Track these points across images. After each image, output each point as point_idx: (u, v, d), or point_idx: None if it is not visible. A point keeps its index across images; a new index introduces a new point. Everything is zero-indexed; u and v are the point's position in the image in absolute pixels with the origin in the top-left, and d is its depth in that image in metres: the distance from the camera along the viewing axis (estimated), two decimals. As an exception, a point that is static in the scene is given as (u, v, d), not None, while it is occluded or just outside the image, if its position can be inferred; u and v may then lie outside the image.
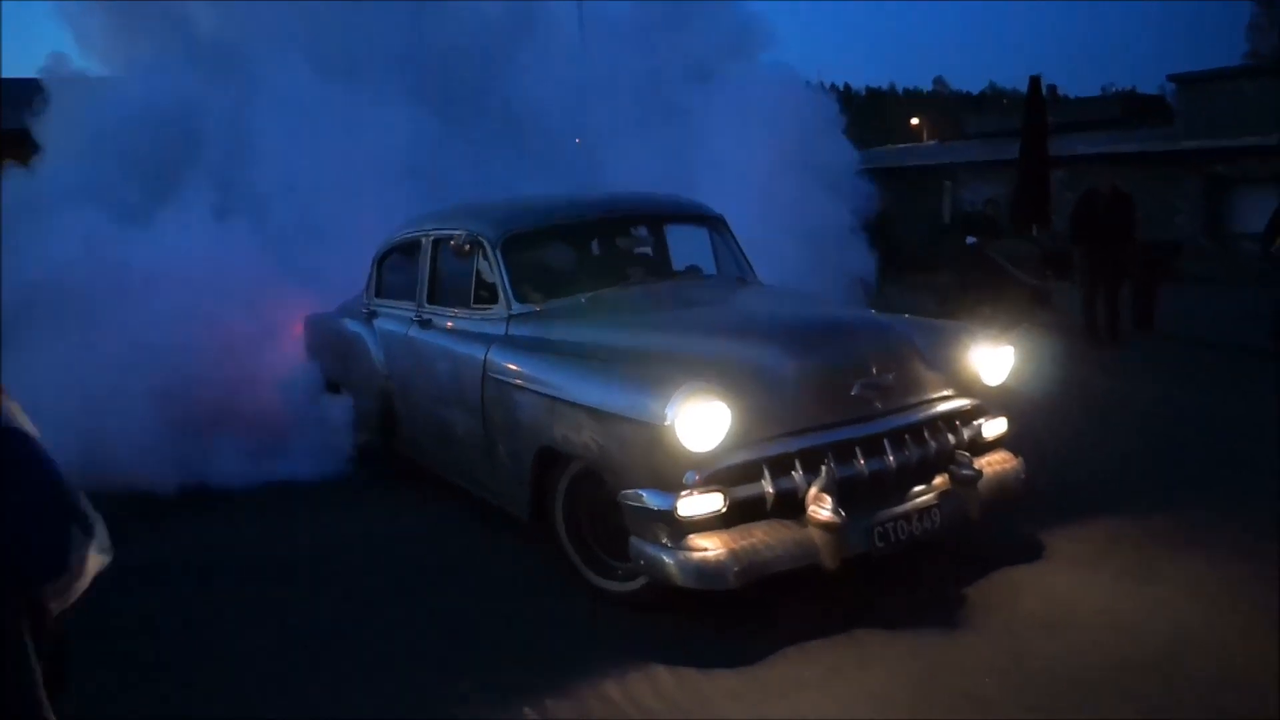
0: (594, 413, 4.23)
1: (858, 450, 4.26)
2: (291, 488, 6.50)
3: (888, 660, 3.88)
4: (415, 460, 6.17)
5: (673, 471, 3.94)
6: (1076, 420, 7.38)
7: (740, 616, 4.23)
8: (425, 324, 5.83)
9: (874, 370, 4.38)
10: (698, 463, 3.93)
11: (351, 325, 6.73)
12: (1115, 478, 6.08)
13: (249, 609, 4.73)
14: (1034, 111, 16.27)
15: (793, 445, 4.13)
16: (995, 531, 4.97)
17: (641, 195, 6.34)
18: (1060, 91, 48.47)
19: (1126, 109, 27.52)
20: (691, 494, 3.91)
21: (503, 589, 4.78)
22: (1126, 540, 5.03)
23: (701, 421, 3.88)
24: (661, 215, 6.13)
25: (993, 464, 4.78)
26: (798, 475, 4.11)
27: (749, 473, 4.05)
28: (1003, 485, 4.76)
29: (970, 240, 11.52)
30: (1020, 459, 4.94)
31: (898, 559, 4.46)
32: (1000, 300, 10.14)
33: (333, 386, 6.91)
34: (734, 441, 3.98)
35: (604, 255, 5.91)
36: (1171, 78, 22.67)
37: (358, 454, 6.75)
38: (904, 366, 4.54)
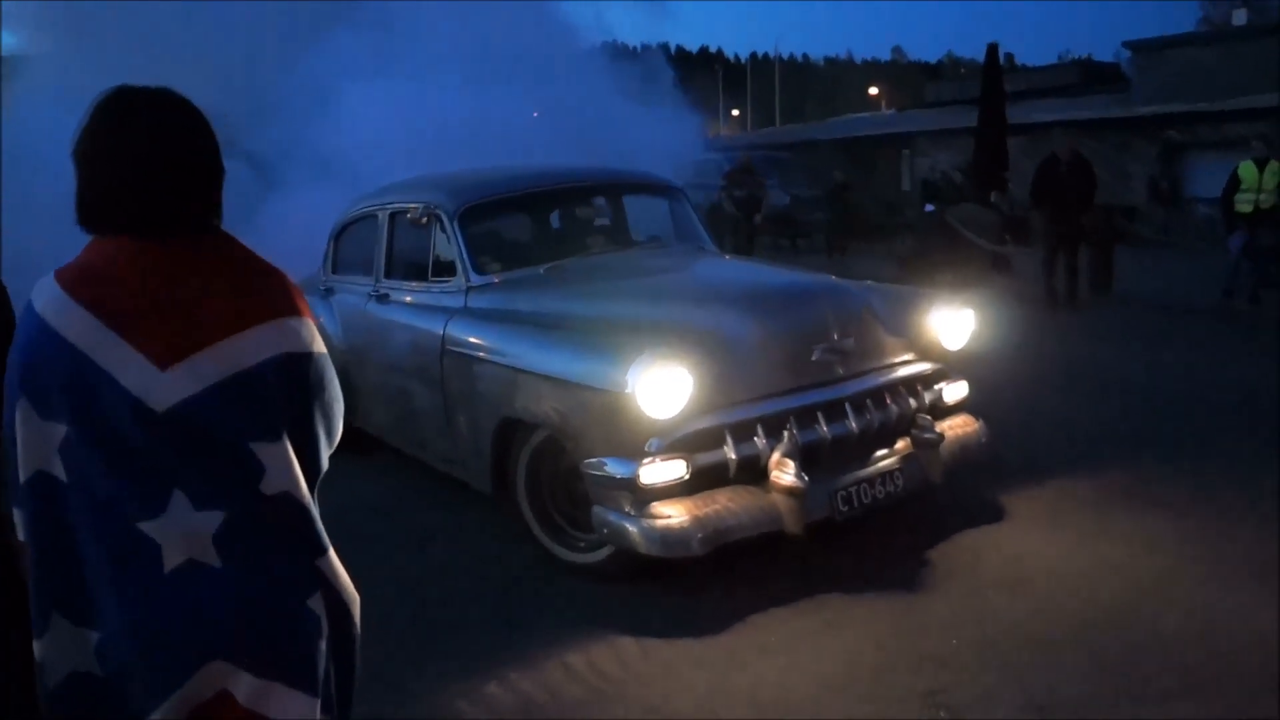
0: (555, 381, 4.19)
1: (820, 415, 4.26)
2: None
3: (852, 624, 3.89)
4: (375, 436, 6.09)
5: (635, 439, 3.91)
6: (1035, 383, 7.44)
7: (704, 584, 4.21)
8: (383, 299, 5.75)
9: (834, 335, 4.36)
10: (660, 430, 3.90)
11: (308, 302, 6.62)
12: (1074, 439, 6.14)
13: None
14: (992, 78, 16.32)
15: (755, 411, 4.12)
16: (957, 495, 4.99)
17: (598, 167, 6.29)
18: (1018, 60, 48.74)
19: (1083, 76, 27.73)
20: (654, 461, 3.89)
21: (463, 562, 4.73)
22: (1086, 500, 5.11)
23: (663, 388, 3.84)
24: (619, 186, 6.08)
25: (954, 428, 4.80)
26: (760, 441, 4.09)
27: (711, 439, 4.03)
28: (964, 449, 4.78)
29: (929, 208, 11.57)
30: (981, 422, 4.96)
31: (860, 523, 4.46)
32: (959, 266, 10.21)
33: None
34: (696, 408, 3.95)
35: (563, 226, 5.85)
36: (1127, 44, 22.88)
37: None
38: (864, 331, 4.53)
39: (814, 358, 4.30)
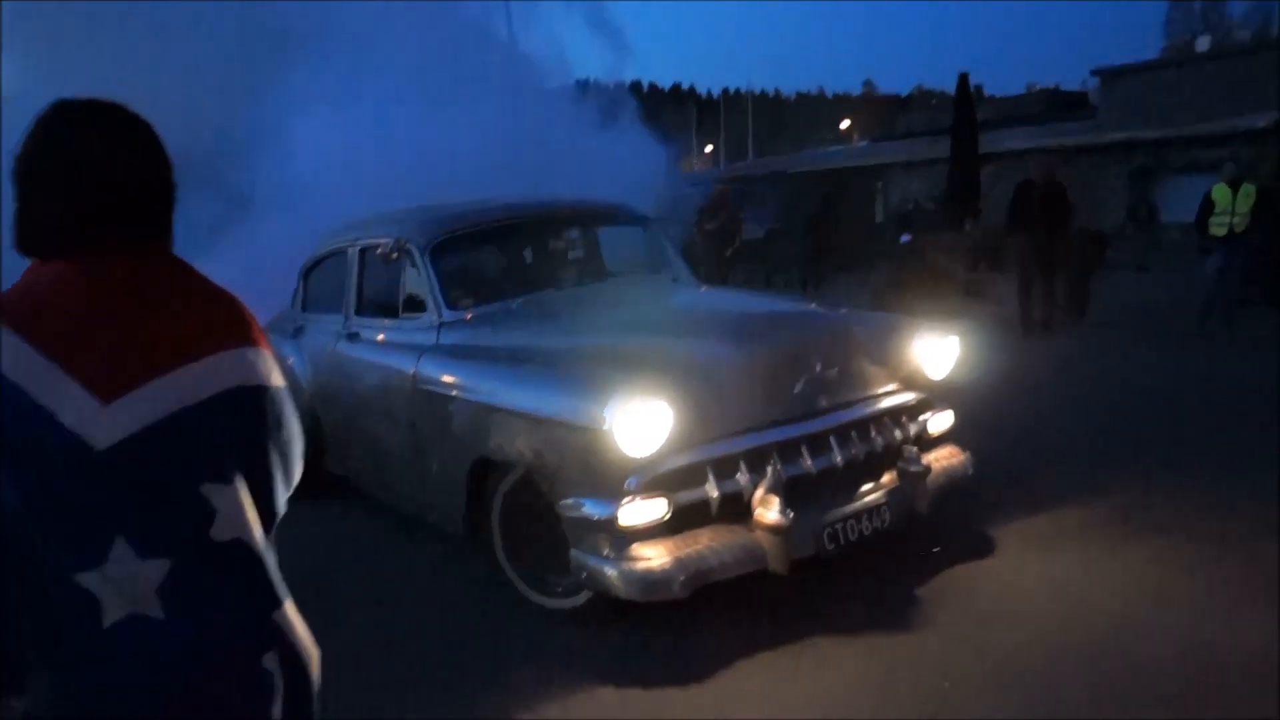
0: (528, 418, 4.05)
1: (804, 449, 4.13)
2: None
3: (844, 664, 3.74)
4: (346, 479, 5.92)
5: (613, 478, 3.76)
6: (1016, 409, 7.35)
7: (686, 627, 4.06)
8: (353, 337, 5.60)
9: (817, 365, 4.24)
10: (638, 467, 3.76)
11: (276, 343, 6.43)
12: (1058, 467, 6.03)
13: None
14: (963, 107, 16.41)
15: (737, 446, 3.98)
16: (944, 527, 4.86)
17: (571, 198, 6.17)
18: (986, 91, 49.25)
19: (1051, 105, 28.00)
20: (633, 500, 3.74)
21: (435, 609, 4.55)
22: (1074, 528, 5.01)
23: (641, 424, 3.71)
24: (592, 217, 5.96)
25: (940, 459, 4.68)
26: (743, 477, 3.96)
27: (692, 476, 3.90)
28: (951, 480, 4.67)
29: (905, 237, 11.53)
30: (968, 453, 4.85)
31: (848, 559, 4.33)
32: (935, 294, 10.14)
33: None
34: (675, 444, 3.82)
35: (535, 259, 5.72)
36: (1095, 71, 23.10)
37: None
38: (848, 361, 4.41)
39: (797, 389, 4.18)
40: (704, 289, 5.60)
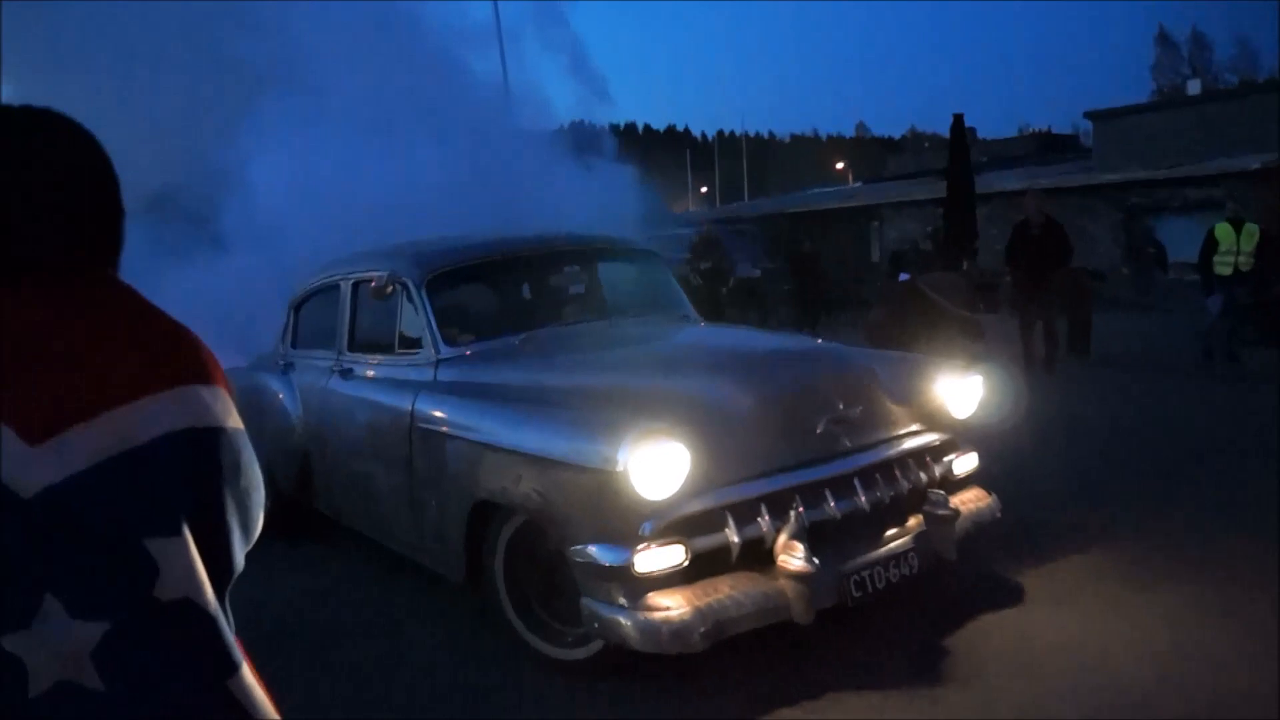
0: (535, 460, 3.80)
1: (827, 492, 3.90)
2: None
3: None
4: (336, 521, 5.65)
5: (627, 523, 3.52)
6: (1026, 451, 7.12)
7: (701, 681, 3.80)
8: (346, 373, 5.36)
9: (840, 405, 4.03)
10: (654, 512, 3.52)
11: (265, 379, 6.20)
12: (1075, 507, 5.82)
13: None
14: (958, 148, 16.34)
15: (757, 489, 3.75)
16: (968, 573, 4.63)
17: (570, 232, 5.96)
18: (979, 134, 49.50)
19: (1042, 146, 28.10)
20: (649, 547, 3.50)
21: (434, 660, 4.27)
22: (1098, 573, 4.80)
23: (658, 466, 3.47)
24: (593, 251, 5.75)
25: (966, 501, 4.46)
26: (764, 522, 3.72)
27: (711, 521, 3.65)
28: (978, 525, 4.45)
29: (903, 276, 11.35)
30: (994, 496, 4.63)
31: (869, 608, 4.08)
32: (934, 334, 9.95)
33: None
34: (693, 487, 3.58)
35: (535, 294, 5.50)
36: (1088, 114, 23.18)
37: (270, 515, 6.25)
38: (871, 400, 4.20)
39: (819, 429, 3.95)
40: (712, 326, 5.38)
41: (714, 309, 13.96)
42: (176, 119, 8.87)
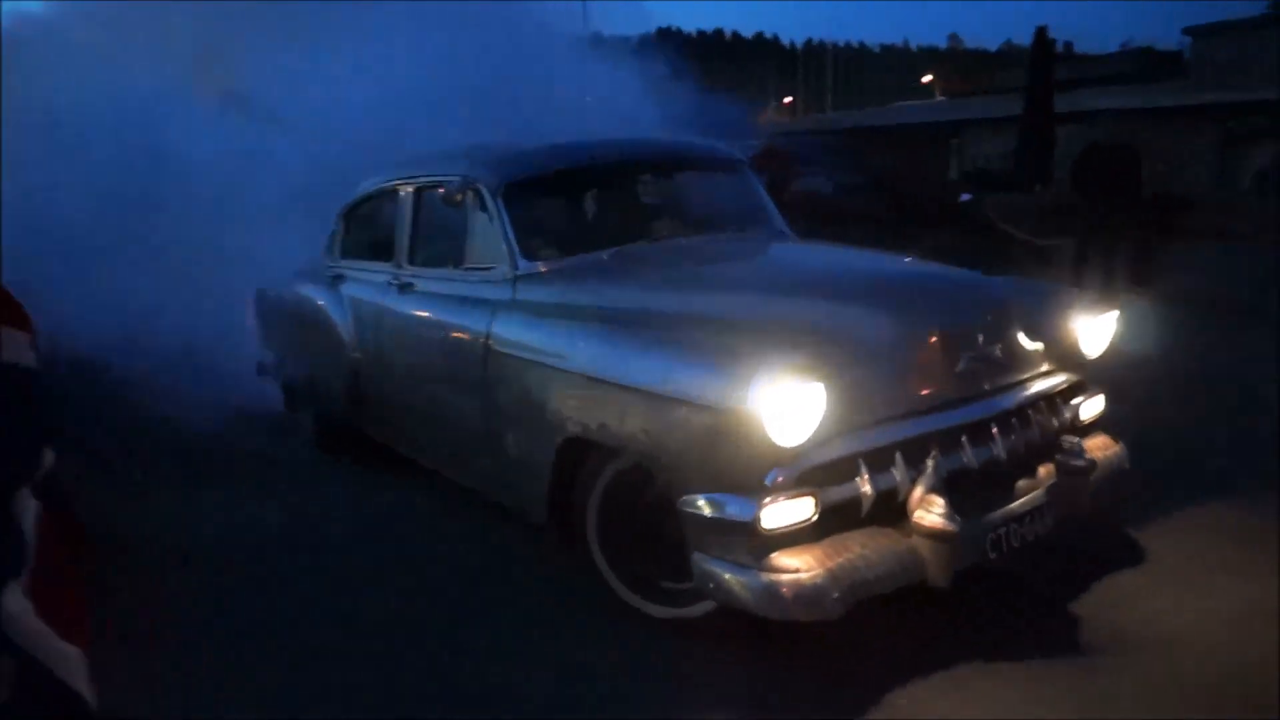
0: (643, 395, 3.35)
1: (964, 439, 3.47)
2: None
3: (1024, 703, 3.11)
4: (391, 446, 5.26)
5: (752, 471, 3.10)
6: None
7: (816, 647, 3.41)
8: (405, 288, 4.92)
9: (981, 340, 3.58)
10: (783, 459, 3.10)
11: (312, 292, 5.77)
12: (1155, 455, 5.34)
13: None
14: (1039, 64, 15.37)
15: (893, 435, 3.32)
16: (1086, 530, 4.21)
17: (657, 139, 5.45)
18: (1077, 48, 47.32)
19: (1142, 64, 26.76)
20: (777, 500, 3.08)
21: (517, 610, 3.91)
22: (1214, 530, 4.38)
23: (793, 407, 3.04)
24: (683, 160, 5.24)
25: (1096, 450, 4.02)
26: (898, 472, 3.30)
27: (841, 471, 3.23)
28: (1110, 477, 4.01)
29: (965, 196, 10.80)
30: (1121, 444, 4.18)
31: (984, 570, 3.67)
32: (995, 257, 9.46)
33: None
34: (826, 431, 3.15)
35: (622, 206, 5.02)
36: (1186, 30, 21.95)
37: (318, 436, 5.94)
38: (1009, 335, 3.75)
39: (959, 367, 3.51)
40: (824, 247, 4.89)
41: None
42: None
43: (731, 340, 3.32)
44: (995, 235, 10.27)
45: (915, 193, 13.29)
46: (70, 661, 1.44)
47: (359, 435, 5.55)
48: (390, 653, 3.58)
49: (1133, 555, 4.17)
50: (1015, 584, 3.86)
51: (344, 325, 5.39)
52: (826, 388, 3.09)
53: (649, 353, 3.44)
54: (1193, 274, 11.56)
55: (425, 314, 4.72)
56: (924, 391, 3.43)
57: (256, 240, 7.24)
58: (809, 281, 4.02)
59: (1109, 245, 10.59)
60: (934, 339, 3.44)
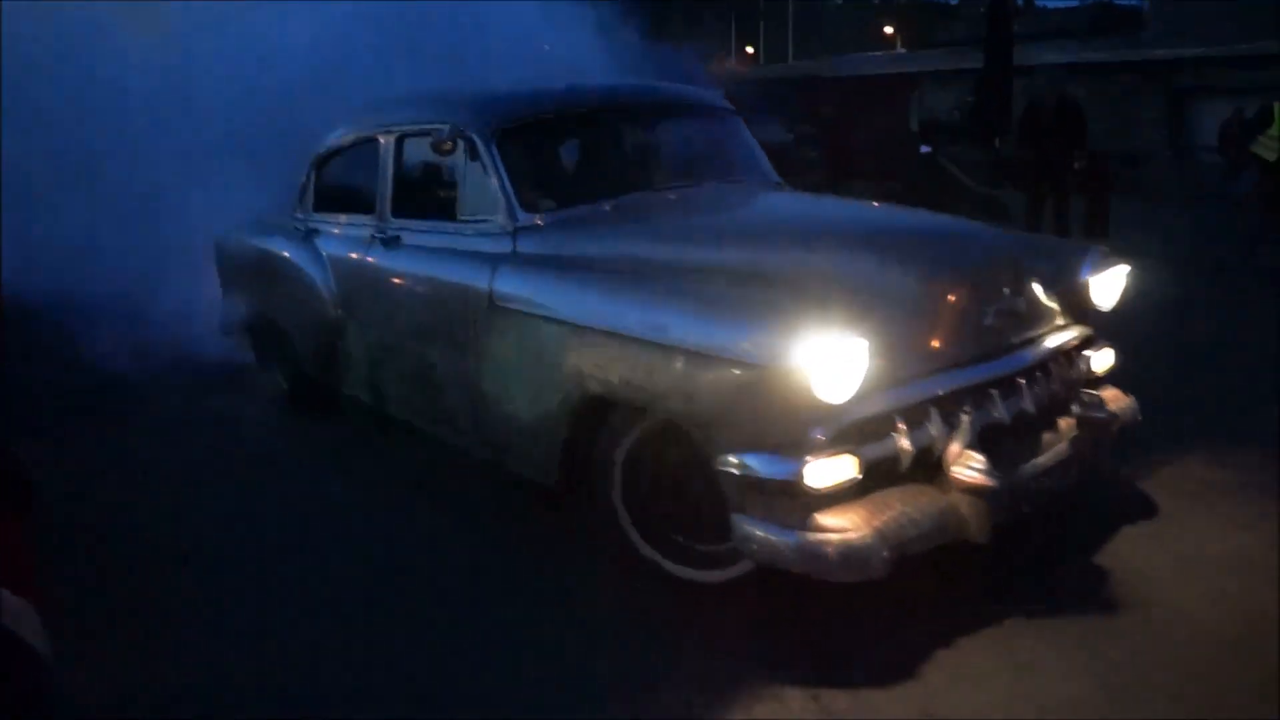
0: (674, 351, 3.20)
1: (995, 393, 3.41)
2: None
3: (1063, 656, 3.08)
4: (375, 407, 5.06)
5: (794, 429, 3.00)
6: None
7: (853, 606, 3.34)
8: (390, 243, 4.69)
9: (1007, 292, 3.51)
10: (826, 417, 3.00)
11: (283, 246, 5.51)
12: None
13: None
14: (997, 16, 15.29)
15: (930, 389, 3.24)
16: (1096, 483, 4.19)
17: (648, 85, 5.25)
18: (1037, 2, 47.11)
19: (1099, 19, 26.81)
20: (819, 458, 2.99)
21: (541, 577, 3.79)
22: (1219, 484, 4.37)
23: (838, 363, 2.94)
24: (676, 107, 5.06)
25: (1110, 402, 3.99)
26: (934, 427, 3.22)
27: (880, 427, 3.15)
28: (1124, 429, 3.99)
29: (924, 148, 10.78)
30: (1132, 397, 4.17)
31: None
32: (949, 208, 9.44)
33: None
34: (868, 388, 3.06)
35: (616, 154, 4.83)
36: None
37: (291, 395, 5.78)
38: (1029, 288, 3.68)
39: (987, 321, 3.44)
40: (828, 198, 4.79)
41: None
42: None
43: (768, 294, 3.20)
44: (952, 187, 10.25)
45: (875, 142, 13.31)
46: (20, 614, 1.41)
47: (334, 394, 5.35)
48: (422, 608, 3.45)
49: (1143, 508, 4.17)
50: (1032, 536, 3.82)
51: (323, 282, 5.15)
52: (870, 342, 2.99)
53: (682, 308, 3.29)
54: (1139, 230, 11.70)
55: (416, 269, 4.51)
56: (955, 346, 3.35)
57: (194, 181, 7.01)
58: (827, 232, 3.89)
59: (1059, 201, 10.64)
60: (964, 291, 3.36)
